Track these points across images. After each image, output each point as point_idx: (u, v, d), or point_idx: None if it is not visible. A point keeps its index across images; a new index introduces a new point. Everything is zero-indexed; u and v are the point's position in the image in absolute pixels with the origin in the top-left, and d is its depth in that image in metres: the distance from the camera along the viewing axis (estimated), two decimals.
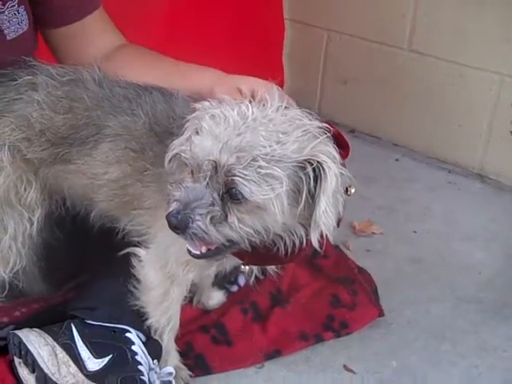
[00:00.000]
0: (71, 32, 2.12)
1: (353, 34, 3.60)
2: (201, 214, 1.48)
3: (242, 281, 2.37)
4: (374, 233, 2.83)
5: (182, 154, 1.54)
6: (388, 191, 3.17)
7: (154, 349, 1.89)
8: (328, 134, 1.54)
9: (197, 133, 1.55)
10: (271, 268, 2.05)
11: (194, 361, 2.06)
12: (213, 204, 1.48)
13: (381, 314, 2.31)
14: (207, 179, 1.48)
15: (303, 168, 1.48)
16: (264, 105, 1.56)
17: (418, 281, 2.56)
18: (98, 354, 1.79)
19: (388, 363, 2.14)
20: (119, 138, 1.80)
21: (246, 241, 1.54)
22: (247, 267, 2.04)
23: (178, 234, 1.52)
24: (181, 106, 1.78)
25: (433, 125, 3.44)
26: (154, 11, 3.29)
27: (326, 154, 1.49)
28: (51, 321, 1.97)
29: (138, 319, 1.89)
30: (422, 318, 2.36)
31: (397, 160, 3.50)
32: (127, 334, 1.85)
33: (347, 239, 2.76)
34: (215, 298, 2.30)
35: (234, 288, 2.37)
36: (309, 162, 1.48)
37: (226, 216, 1.49)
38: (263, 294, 2.33)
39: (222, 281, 2.31)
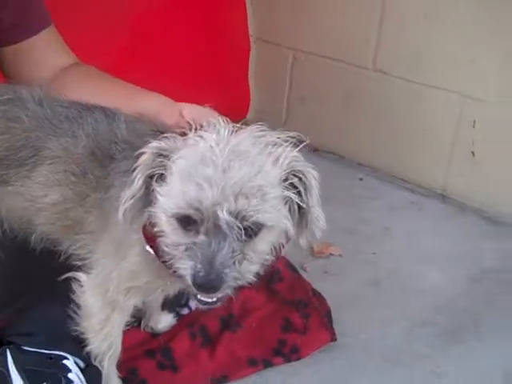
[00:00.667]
0: (18, 51, 2.08)
1: (318, 54, 3.59)
2: (230, 267, 1.42)
3: (193, 304, 2.33)
4: (332, 254, 2.80)
5: (180, 211, 1.43)
6: (349, 211, 3.14)
7: (93, 376, 1.84)
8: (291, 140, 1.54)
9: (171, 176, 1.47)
10: None
11: None
12: (234, 251, 1.43)
13: (333, 338, 2.27)
14: (224, 228, 1.40)
15: (285, 180, 1.47)
16: (218, 131, 1.50)
17: (375, 304, 2.53)
18: (31, 382, 1.73)
19: None
20: (59, 160, 1.74)
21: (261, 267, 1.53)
22: None
23: (209, 293, 1.47)
24: (123, 130, 1.73)
25: (396, 144, 3.42)
26: (116, 24, 3.26)
27: (301, 161, 1.50)
28: None
29: (77, 345, 1.83)
30: (377, 342, 2.32)
31: (361, 179, 3.48)
32: (64, 361, 1.80)
33: (305, 261, 2.72)
34: (164, 321, 2.26)
35: (185, 311, 2.32)
36: (292, 174, 1.48)
37: (245, 254, 1.45)
38: (214, 317, 2.28)
39: (173, 304, 2.27)
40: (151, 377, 2.05)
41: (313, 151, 3.70)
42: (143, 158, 1.50)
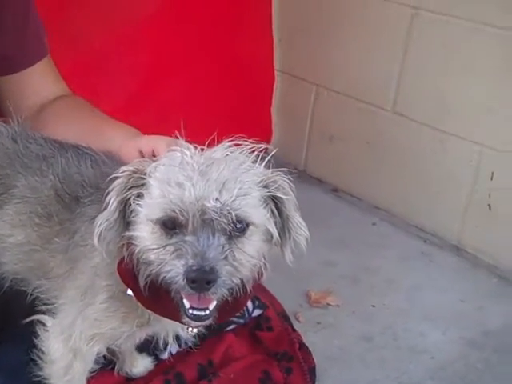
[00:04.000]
0: (11, 81, 2.09)
1: (340, 91, 3.52)
2: (222, 260, 1.38)
3: (174, 348, 2.28)
4: (329, 304, 2.72)
5: (164, 214, 1.41)
6: (357, 258, 3.06)
7: None
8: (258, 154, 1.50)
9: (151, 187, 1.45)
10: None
11: None
12: (223, 247, 1.39)
13: None
14: (211, 223, 1.39)
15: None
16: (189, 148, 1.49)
17: (364, 361, 2.44)
18: None
19: None
20: (26, 200, 1.72)
21: (250, 275, 1.48)
22: (195, 330, 1.91)
23: (204, 290, 1.39)
24: (91, 173, 1.72)
25: (412, 190, 3.33)
26: (139, 57, 3.28)
27: (273, 171, 1.50)
28: None
29: None
30: None
31: (374, 224, 3.39)
32: None
33: (299, 310, 2.65)
34: (141, 365, 2.21)
35: (164, 355, 2.27)
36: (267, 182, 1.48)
37: (234, 255, 1.41)
38: (192, 365, 2.23)
39: (152, 347, 2.22)
40: None
41: (332, 190, 3.65)
42: (117, 181, 1.48)
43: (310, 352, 2.37)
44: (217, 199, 1.38)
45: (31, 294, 1.81)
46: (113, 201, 1.48)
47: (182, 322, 1.53)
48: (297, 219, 1.51)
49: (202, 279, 1.36)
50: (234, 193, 1.40)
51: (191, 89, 3.52)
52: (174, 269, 1.40)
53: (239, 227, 1.42)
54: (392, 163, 3.39)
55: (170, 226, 1.42)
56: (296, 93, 3.76)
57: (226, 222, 1.39)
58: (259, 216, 1.45)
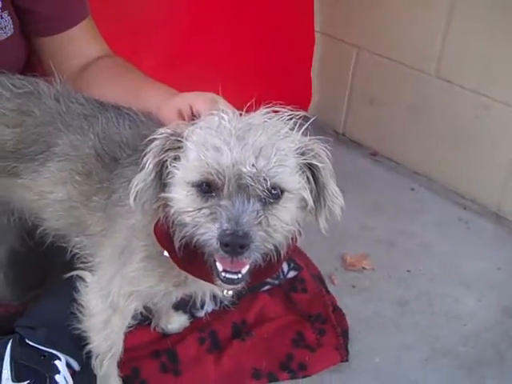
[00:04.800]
0: (54, 42, 2.11)
1: (382, 54, 3.46)
2: (256, 225, 1.40)
3: (210, 307, 2.33)
4: (364, 268, 2.72)
5: (201, 176, 1.42)
6: (393, 223, 3.05)
7: (86, 380, 1.87)
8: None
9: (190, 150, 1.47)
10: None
11: None
12: (258, 213, 1.41)
13: (343, 359, 2.22)
14: (247, 188, 1.40)
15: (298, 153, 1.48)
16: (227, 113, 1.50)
17: (397, 326, 2.45)
18: (17, 378, 1.78)
19: None
20: (67, 158, 1.76)
21: (284, 241, 1.50)
22: (230, 292, 1.90)
23: (238, 254, 1.40)
24: (129, 134, 1.74)
25: (454, 156, 3.28)
26: (179, 19, 3.27)
27: (311, 139, 1.50)
28: (6, 330, 1.98)
29: (75, 346, 1.86)
30: (390, 367, 2.26)
31: (412, 189, 3.36)
32: (56, 362, 1.83)
33: (334, 273, 2.67)
34: (176, 322, 2.27)
35: (201, 313, 2.32)
36: (305, 149, 1.48)
37: (268, 220, 1.42)
38: (226, 323, 2.28)
39: (189, 305, 2.26)
40: (152, 378, 2.07)
41: (371, 154, 3.63)
42: (154, 143, 1.49)
43: (343, 315, 2.39)
44: (253, 165, 1.39)
45: (71, 251, 1.86)
46: (149, 162, 1.49)
47: (215, 284, 1.56)
48: (332, 187, 1.51)
49: (235, 243, 1.37)
50: (271, 159, 1.40)
51: (231, 51, 3.50)
52: (208, 232, 1.41)
53: (274, 194, 1.42)
54: (433, 128, 3.34)
55: (206, 189, 1.43)
56: (336, 55, 3.70)
57: (261, 188, 1.40)
58: (294, 183, 1.45)
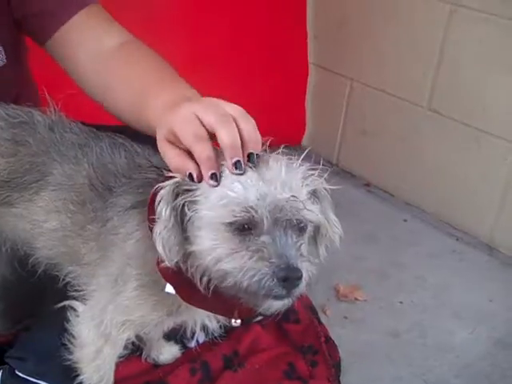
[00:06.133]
0: (62, 38, 1.97)
1: (375, 87, 3.51)
2: (300, 257, 1.39)
3: (201, 338, 2.31)
4: (357, 299, 2.72)
5: (237, 216, 1.37)
6: (386, 254, 3.05)
7: None
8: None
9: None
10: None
11: None
12: (297, 243, 1.40)
13: None
14: (284, 222, 1.39)
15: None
16: None
17: (390, 357, 2.44)
18: None
19: None
20: (61, 187, 1.75)
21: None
22: (238, 320, 1.74)
23: (294, 288, 1.38)
24: (124, 163, 1.73)
25: (446, 188, 3.31)
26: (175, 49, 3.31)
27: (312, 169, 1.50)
28: None
29: (66, 377, 1.82)
30: None
31: (405, 220, 3.37)
32: None
33: (327, 303, 2.66)
34: (168, 352, 2.25)
35: (191, 344, 2.31)
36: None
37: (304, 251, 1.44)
38: (217, 355, 2.26)
39: (180, 335, 2.26)
40: None
41: (364, 185, 3.65)
42: (164, 190, 1.45)
43: (335, 346, 2.38)
44: (292, 197, 1.38)
45: (63, 279, 1.85)
46: (164, 209, 1.44)
47: (230, 317, 1.57)
48: (332, 216, 1.52)
49: (292, 277, 1.35)
50: (293, 190, 1.40)
51: (225, 82, 3.54)
52: (258, 273, 1.37)
53: (303, 225, 1.42)
54: (426, 160, 3.37)
55: (242, 228, 1.39)
56: (330, 87, 3.75)
57: (296, 219, 1.39)
58: (316, 213, 1.45)
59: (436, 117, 3.27)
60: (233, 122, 1.40)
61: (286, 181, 1.41)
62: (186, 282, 1.50)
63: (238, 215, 1.37)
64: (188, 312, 1.70)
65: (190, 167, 1.44)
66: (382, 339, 2.53)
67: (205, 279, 1.46)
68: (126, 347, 1.89)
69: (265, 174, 1.40)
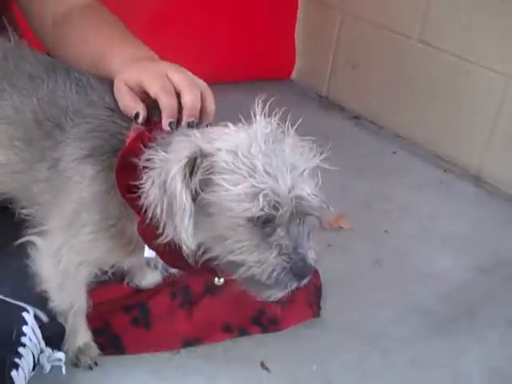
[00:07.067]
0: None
1: (366, 19, 3.46)
2: (311, 249, 1.43)
3: None
4: (341, 227, 2.73)
5: (261, 206, 1.34)
6: (374, 185, 3.05)
7: (54, 331, 1.86)
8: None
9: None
10: None
11: (109, 339, 2.04)
12: (309, 235, 1.44)
13: (315, 314, 2.23)
14: (302, 215, 1.41)
15: None
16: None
17: (372, 284, 2.44)
18: None
19: (308, 366, 2.06)
20: (8, 121, 1.70)
21: None
22: (222, 279, 1.75)
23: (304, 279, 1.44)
24: (76, 99, 1.68)
25: (435, 119, 3.29)
26: None
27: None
28: None
29: (41, 299, 1.83)
30: (363, 323, 2.26)
31: (394, 153, 3.36)
32: (23, 313, 1.80)
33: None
34: (150, 278, 2.27)
35: (174, 269, 2.32)
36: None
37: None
38: (200, 280, 2.27)
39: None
40: (124, 331, 2.05)
41: (353, 118, 3.63)
42: (176, 169, 1.38)
43: (317, 272, 2.39)
44: (314, 194, 1.39)
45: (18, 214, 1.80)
46: (184, 193, 1.37)
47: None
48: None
49: (308, 273, 1.41)
50: (311, 181, 1.41)
51: (211, 16, 3.49)
52: (277, 267, 1.40)
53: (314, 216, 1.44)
54: (415, 92, 3.35)
55: (264, 221, 1.38)
56: (320, 19, 3.70)
57: (317, 213, 1.42)
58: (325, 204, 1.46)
59: (427, 49, 3.24)
60: (198, 88, 1.53)
61: (301, 167, 1.39)
62: (170, 250, 1.48)
63: (262, 210, 1.35)
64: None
65: (140, 108, 1.54)
66: (364, 266, 2.54)
67: (204, 259, 1.47)
68: (105, 274, 1.90)
69: (285, 159, 1.38)
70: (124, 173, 1.54)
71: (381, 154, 3.34)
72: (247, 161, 1.36)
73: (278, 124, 1.47)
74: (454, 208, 2.95)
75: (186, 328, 2.12)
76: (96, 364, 1.98)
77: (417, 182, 3.12)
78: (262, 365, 2.06)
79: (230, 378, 2.01)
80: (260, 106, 1.47)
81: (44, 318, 1.89)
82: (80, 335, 1.97)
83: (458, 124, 3.20)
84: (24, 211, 1.76)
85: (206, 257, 1.49)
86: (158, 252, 1.55)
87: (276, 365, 2.06)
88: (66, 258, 1.73)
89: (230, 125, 1.47)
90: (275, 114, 1.47)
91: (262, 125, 1.44)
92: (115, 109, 1.64)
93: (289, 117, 1.49)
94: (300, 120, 1.50)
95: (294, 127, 1.49)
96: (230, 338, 2.13)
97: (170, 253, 1.50)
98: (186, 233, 1.39)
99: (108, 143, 1.62)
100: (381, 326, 2.26)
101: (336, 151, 2.98)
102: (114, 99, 1.65)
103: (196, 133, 1.46)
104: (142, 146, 1.49)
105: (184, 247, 1.42)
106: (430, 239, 2.72)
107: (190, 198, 1.38)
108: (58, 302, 1.84)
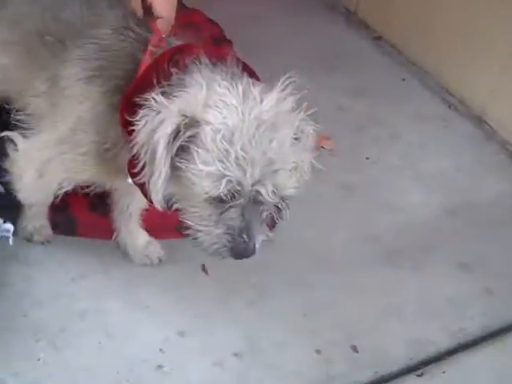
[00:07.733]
0: None
1: None
2: (261, 234, 1.51)
3: None
4: (323, 147, 2.73)
5: (219, 192, 1.42)
6: (370, 108, 3.01)
7: (7, 203, 1.94)
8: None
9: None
10: None
11: (64, 219, 2.16)
12: (263, 220, 1.52)
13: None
14: (261, 204, 1.48)
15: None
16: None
17: (335, 207, 2.49)
18: None
19: (246, 278, 2.14)
20: (12, 27, 1.75)
21: None
22: None
23: (235, 259, 1.53)
24: (79, 15, 1.71)
25: (455, 54, 3.16)
26: None
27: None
28: None
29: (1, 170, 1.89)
30: (311, 244, 2.32)
31: (403, 80, 3.29)
32: None
33: None
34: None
35: None
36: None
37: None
38: None
39: None
40: (79, 213, 2.16)
41: (374, 39, 3.54)
42: (164, 127, 1.42)
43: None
44: (272, 188, 1.43)
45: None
46: (164, 158, 1.43)
47: None
48: (308, 159, 1.62)
49: (246, 256, 1.50)
50: (284, 174, 1.45)
51: None
52: (219, 242, 1.50)
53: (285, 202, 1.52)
54: (440, 21, 3.22)
55: (220, 200, 1.45)
56: None
57: (274, 203, 1.48)
58: (296, 190, 1.52)
59: None
60: None
61: (279, 160, 1.43)
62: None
63: (220, 192, 1.42)
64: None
65: None
66: (334, 190, 2.56)
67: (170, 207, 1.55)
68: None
69: (266, 153, 1.41)
70: (129, 106, 1.56)
71: (389, 78, 3.27)
72: (225, 146, 1.40)
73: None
74: (446, 146, 2.90)
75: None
76: (48, 241, 2.12)
77: (417, 112, 3.07)
78: (203, 267, 2.15)
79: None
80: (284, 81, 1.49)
81: (1, 188, 1.99)
82: (38, 218, 2.08)
83: (470, 57, 3.08)
84: (17, 116, 1.80)
85: (172, 206, 1.57)
86: (136, 185, 1.61)
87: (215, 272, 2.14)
88: (51, 172, 1.78)
89: (239, 92, 1.45)
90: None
91: (269, 105, 1.45)
92: (129, 29, 1.66)
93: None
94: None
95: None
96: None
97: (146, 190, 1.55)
98: (156, 193, 1.48)
99: (116, 65, 1.64)
100: (329, 248, 2.32)
101: (343, 69, 2.96)
102: (125, 19, 1.67)
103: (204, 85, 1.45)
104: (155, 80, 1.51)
105: (153, 200, 1.51)
106: (408, 172, 2.72)
107: (168, 164, 1.44)
108: (24, 196, 1.92)
